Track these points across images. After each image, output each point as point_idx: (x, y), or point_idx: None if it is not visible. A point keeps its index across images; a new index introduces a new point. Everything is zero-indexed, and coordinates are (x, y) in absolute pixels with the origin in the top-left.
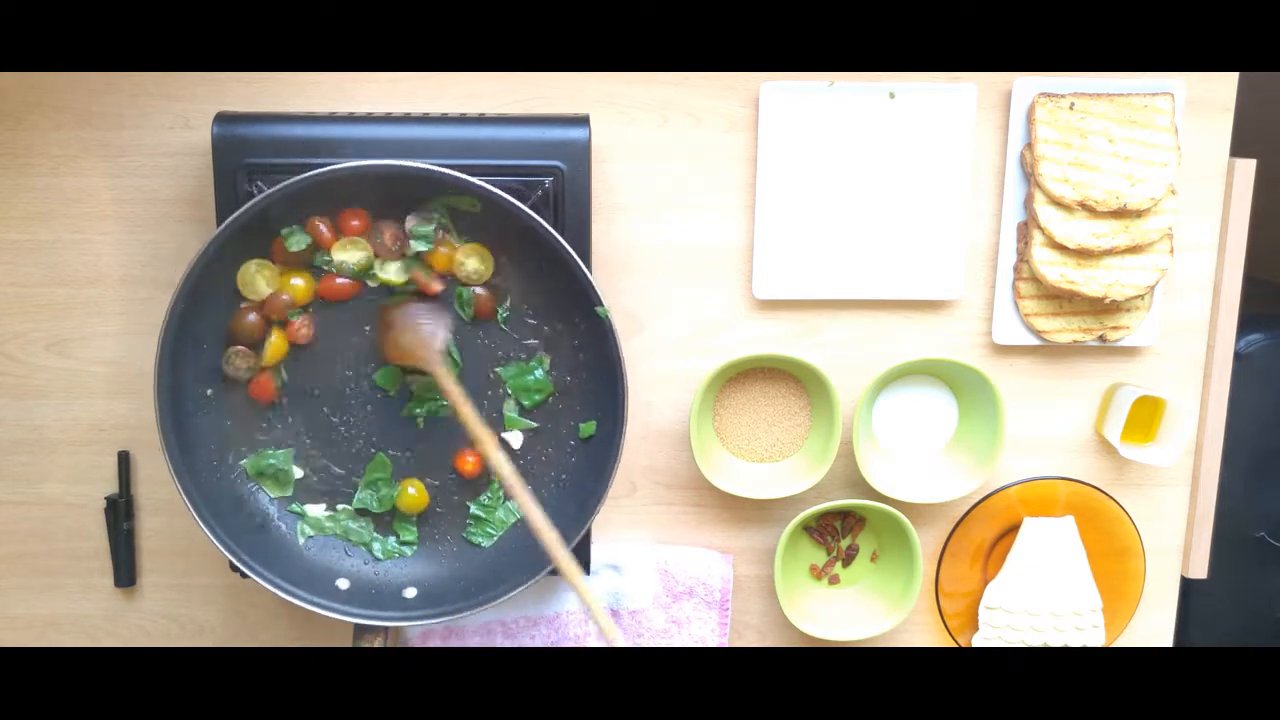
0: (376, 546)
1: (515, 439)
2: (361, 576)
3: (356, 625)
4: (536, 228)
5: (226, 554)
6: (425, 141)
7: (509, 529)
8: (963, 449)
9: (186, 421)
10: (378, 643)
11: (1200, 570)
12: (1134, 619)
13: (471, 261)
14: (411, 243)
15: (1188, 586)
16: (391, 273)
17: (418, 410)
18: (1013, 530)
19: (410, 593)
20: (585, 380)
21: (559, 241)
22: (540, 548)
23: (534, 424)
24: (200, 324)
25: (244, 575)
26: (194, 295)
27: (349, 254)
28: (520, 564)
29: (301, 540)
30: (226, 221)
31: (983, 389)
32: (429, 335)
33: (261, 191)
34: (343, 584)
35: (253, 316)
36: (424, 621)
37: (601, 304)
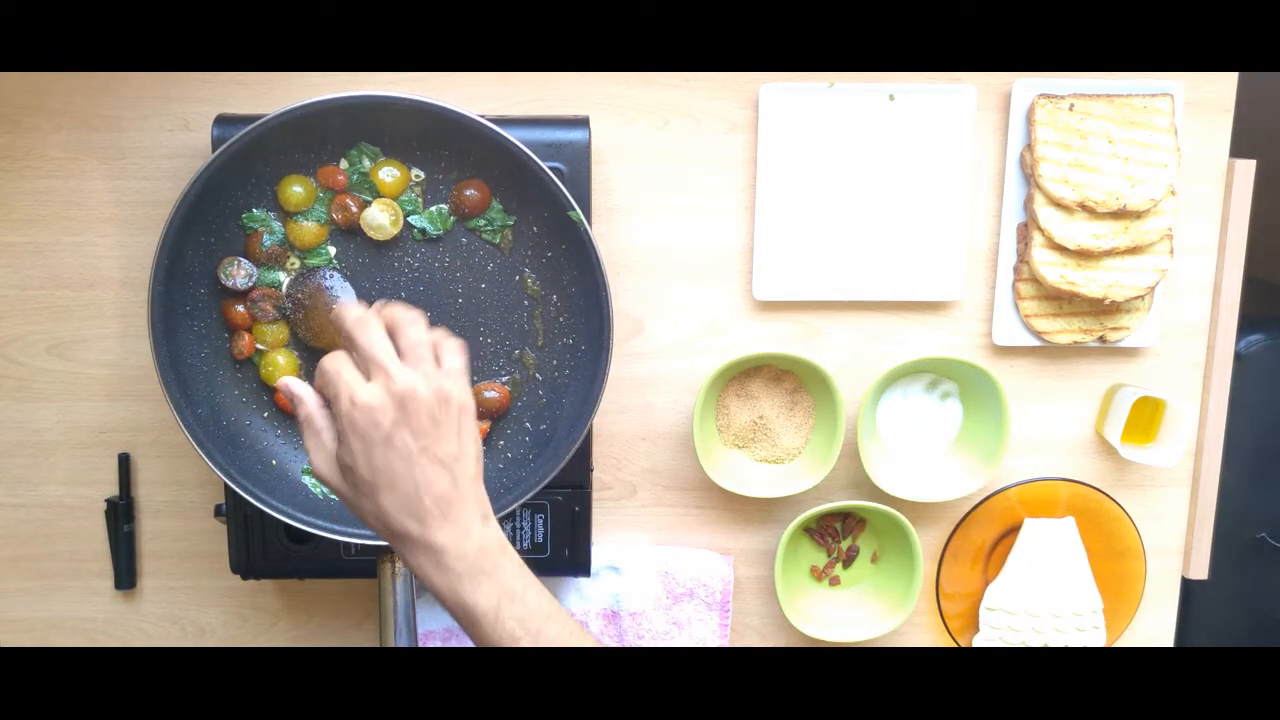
0: None
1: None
2: None
3: (379, 548)
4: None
5: (236, 487)
6: None
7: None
8: (968, 448)
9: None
10: (399, 563)
11: (1201, 571)
12: (1135, 620)
13: (387, 169)
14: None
15: (1188, 587)
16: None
17: None
18: (1013, 531)
19: None
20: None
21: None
22: (557, 455)
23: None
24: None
25: (260, 507)
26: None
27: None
28: (534, 472)
29: (308, 480)
30: (228, 143)
31: (987, 387)
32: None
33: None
34: None
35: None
36: None
37: (574, 208)
